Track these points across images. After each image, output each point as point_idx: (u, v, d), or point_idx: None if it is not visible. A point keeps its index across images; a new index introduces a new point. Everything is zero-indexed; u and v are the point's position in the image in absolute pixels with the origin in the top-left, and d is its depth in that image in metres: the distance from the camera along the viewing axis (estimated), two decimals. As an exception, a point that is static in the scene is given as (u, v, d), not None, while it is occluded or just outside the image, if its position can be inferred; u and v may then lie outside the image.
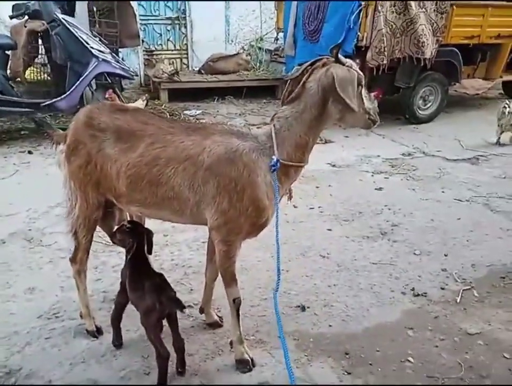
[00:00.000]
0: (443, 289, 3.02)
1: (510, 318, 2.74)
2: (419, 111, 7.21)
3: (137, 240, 2.32)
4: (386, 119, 7.31)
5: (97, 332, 2.50)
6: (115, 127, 2.21)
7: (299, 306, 2.79)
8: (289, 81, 2.27)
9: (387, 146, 6.22)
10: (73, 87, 5.73)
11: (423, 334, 2.59)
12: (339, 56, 2.07)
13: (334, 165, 5.30)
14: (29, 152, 5.50)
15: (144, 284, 2.15)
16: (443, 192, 4.64)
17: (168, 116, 7.22)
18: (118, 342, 2.41)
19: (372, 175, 5.06)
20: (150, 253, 2.44)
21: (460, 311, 2.81)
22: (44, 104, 5.59)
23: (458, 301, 2.89)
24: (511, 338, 2.57)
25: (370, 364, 2.36)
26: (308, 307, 2.79)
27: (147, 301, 2.11)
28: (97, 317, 2.60)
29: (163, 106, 7.70)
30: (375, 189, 4.66)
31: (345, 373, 2.30)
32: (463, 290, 3.00)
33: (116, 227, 2.48)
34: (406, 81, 6.83)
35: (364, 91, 2.17)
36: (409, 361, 2.39)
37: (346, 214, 4.10)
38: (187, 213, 2.20)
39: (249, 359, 2.31)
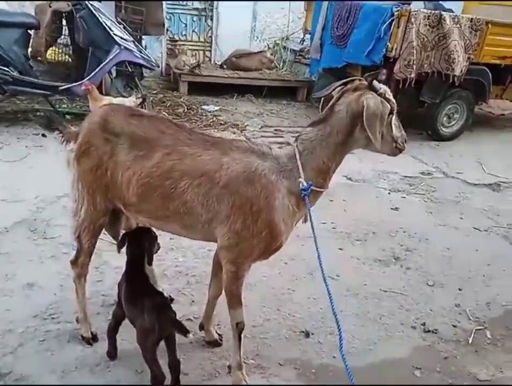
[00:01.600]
0: (454, 326, 2.89)
1: (524, 367, 2.60)
2: (443, 128, 7.01)
3: (135, 251, 2.23)
4: (407, 133, 6.88)
5: (92, 339, 2.42)
6: (130, 133, 2.11)
7: (303, 331, 2.69)
8: (322, 101, 2.16)
9: (407, 162, 6.04)
10: (93, 73, 5.64)
11: (430, 376, 2.47)
12: (375, 82, 1.94)
13: (350, 179, 5.15)
14: (43, 135, 5.42)
15: (143, 302, 2.05)
16: (461, 218, 4.48)
17: (186, 109, 7.16)
18: (112, 354, 2.32)
19: (389, 193, 4.91)
20: (150, 264, 2.35)
21: (472, 353, 2.68)
22: (62, 87, 5.51)
23: (470, 341, 2.76)
24: (523, 389, 2.44)
25: (374, 403, 2.25)
26: (312, 333, 2.68)
27: (145, 322, 2.01)
28: (94, 322, 2.51)
29: (181, 99, 7.58)
30: (391, 209, 4.51)
31: (346, 411, 2.19)
32: (476, 329, 2.86)
33: (122, 233, 2.38)
34: (432, 96, 6.64)
35: (394, 119, 2.05)
36: (415, 405, 2.28)
37: (359, 233, 3.96)
38: (198, 229, 2.11)
39: None
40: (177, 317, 2.63)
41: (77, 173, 2.20)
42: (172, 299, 2.81)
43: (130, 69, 6.02)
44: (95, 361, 2.31)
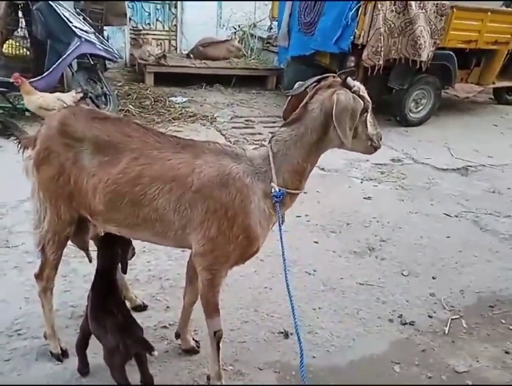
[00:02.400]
0: (430, 317, 2.91)
1: (498, 354, 2.64)
2: (411, 114, 7.07)
3: (106, 260, 2.12)
4: (376, 120, 7.16)
5: (62, 355, 2.31)
6: (93, 137, 1.98)
7: (282, 332, 2.64)
8: (290, 97, 2.06)
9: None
10: (53, 67, 5.40)
11: (410, 370, 2.47)
12: (349, 79, 1.87)
13: (322, 169, 5.12)
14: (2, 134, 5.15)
15: (106, 319, 1.94)
16: (431, 204, 4.53)
17: (153, 101, 6.95)
18: (84, 370, 2.21)
19: (361, 182, 4.91)
20: (125, 273, 2.25)
21: (448, 343, 2.70)
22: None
23: (446, 332, 2.78)
24: (498, 377, 2.48)
25: (355, 404, 2.24)
26: (291, 333, 2.64)
27: (110, 341, 1.92)
28: (63, 336, 2.39)
29: (148, 91, 7.36)
30: (364, 198, 4.52)
31: (328, 414, 2.17)
32: (451, 319, 2.89)
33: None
34: (399, 82, 6.67)
35: (369, 117, 2.00)
36: (395, 401, 2.27)
37: (334, 225, 3.94)
38: (170, 236, 2.01)
39: None
40: (153, 325, 2.60)
41: (37, 182, 2.06)
42: (145, 307, 2.72)
43: (92, 62, 5.76)
44: (65, 378, 2.20)
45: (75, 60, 5.67)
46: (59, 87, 6.09)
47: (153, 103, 6.92)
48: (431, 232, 3.95)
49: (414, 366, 2.51)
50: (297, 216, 4.02)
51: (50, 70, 5.35)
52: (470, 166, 5.66)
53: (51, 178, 2.01)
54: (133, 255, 2.29)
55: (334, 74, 1.98)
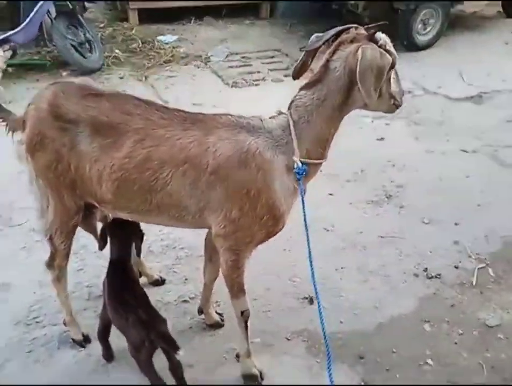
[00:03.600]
0: (456, 267, 2.83)
1: (529, 303, 2.58)
2: (418, 37, 6.59)
3: (119, 250, 1.98)
4: None
5: (84, 341, 2.24)
6: (89, 118, 1.76)
7: (306, 298, 2.57)
8: (304, 52, 1.81)
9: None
10: (30, 16, 4.92)
11: (440, 328, 2.42)
12: (377, 33, 1.63)
13: (330, 109, 4.84)
14: (-11, 97, 4.82)
15: (130, 314, 1.83)
16: (447, 140, 4.32)
17: (140, 43, 6.45)
18: (108, 356, 2.15)
19: (372, 121, 4.63)
20: (139, 256, 2.12)
21: (477, 295, 2.63)
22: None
23: (474, 283, 2.71)
24: (530, 328, 2.43)
25: (387, 369, 2.19)
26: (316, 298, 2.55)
27: (134, 337, 1.83)
28: (82, 320, 2.32)
29: (133, 31, 6.79)
30: (377, 139, 4.29)
31: (363, 383, 2.13)
32: (478, 269, 2.81)
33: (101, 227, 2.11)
34: (406, 2, 6.16)
35: (393, 73, 1.78)
36: (428, 363, 2.24)
37: (348, 173, 3.76)
38: (188, 220, 1.86)
39: (258, 374, 2.10)
40: (173, 299, 2.52)
41: (35, 170, 1.88)
42: (163, 281, 2.62)
43: (71, 6, 5.25)
44: (90, 366, 2.15)
45: (53, 6, 5.16)
46: (40, 36, 5.64)
47: (140, 45, 6.43)
48: (449, 172, 3.78)
49: (444, 323, 2.45)
50: (309, 166, 3.82)
51: (27, 21, 4.88)
52: (484, 92, 5.34)
53: (49, 166, 1.83)
54: (142, 237, 2.14)
55: (357, 26, 1.73)
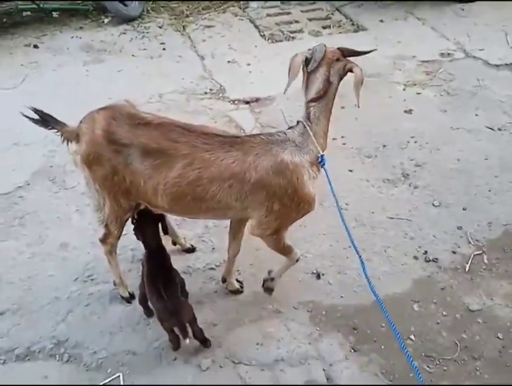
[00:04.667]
0: (454, 252, 3.13)
1: (512, 292, 2.90)
2: (469, -13, 6.25)
3: (151, 242, 2.42)
4: None
5: (130, 298, 2.76)
6: (140, 144, 2.13)
7: (314, 273, 2.97)
8: (308, 72, 2.22)
9: (426, 38, 5.60)
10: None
11: (427, 309, 2.80)
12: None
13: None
14: (35, 46, 5.14)
15: (157, 300, 2.27)
16: (476, 115, 4.37)
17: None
18: (148, 314, 2.67)
19: (404, 89, 4.71)
20: (166, 233, 2.55)
21: (467, 281, 2.96)
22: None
23: (467, 268, 3.02)
24: (508, 315, 2.77)
25: (375, 341, 2.64)
26: (323, 274, 2.97)
27: (159, 317, 2.31)
28: (128, 279, 2.82)
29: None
30: (405, 111, 4.40)
31: (352, 350, 2.59)
32: (474, 255, 3.10)
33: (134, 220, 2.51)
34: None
35: None
36: (410, 339, 2.65)
37: (370, 148, 3.98)
38: (231, 215, 2.40)
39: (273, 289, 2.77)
40: (202, 266, 2.98)
41: (91, 178, 2.25)
42: (194, 249, 3.07)
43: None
44: (135, 319, 2.68)
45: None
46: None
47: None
48: (469, 153, 3.92)
49: (432, 304, 2.83)
50: (333, 138, 4.04)
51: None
52: (526, 59, 5.19)
53: (105, 177, 2.20)
54: (164, 218, 2.56)
55: (325, 45, 2.22)
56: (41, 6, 5.57)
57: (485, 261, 3.08)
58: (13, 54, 5.00)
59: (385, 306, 2.73)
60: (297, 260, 2.62)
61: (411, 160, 3.86)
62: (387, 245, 3.17)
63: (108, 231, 2.49)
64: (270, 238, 2.42)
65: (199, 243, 3.14)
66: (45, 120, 2.30)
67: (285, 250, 2.52)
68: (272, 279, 2.73)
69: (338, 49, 2.23)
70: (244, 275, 2.95)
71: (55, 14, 5.71)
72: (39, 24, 5.52)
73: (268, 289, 2.76)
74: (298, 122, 2.26)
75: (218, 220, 2.53)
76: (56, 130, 2.29)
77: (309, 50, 2.22)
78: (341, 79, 2.22)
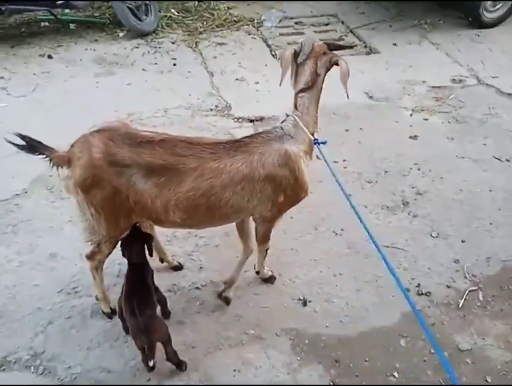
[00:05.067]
0: (449, 287, 3.03)
1: (505, 332, 2.77)
2: (486, 14, 6.16)
3: (134, 260, 2.40)
4: (447, 17, 6.41)
5: (112, 313, 2.73)
6: (146, 163, 2.12)
7: (301, 299, 2.90)
8: (297, 65, 2.37)
9: (438, 63, 5.54)
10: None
11: (415, 345, 2.70)
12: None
13: (371, 97, 4.85)
14: (49, 56, 5.26)
15: (131, 316, 2.24)
16: (484, 144, 4.27)
17: (196, 3, 6.52)
18: (126, 329, 2.62)
19: (411, 114, 4.64)
20: (151, 255, 2.52)
21: (459, 318, 2.85)
22: (59, 1, 5.13)
23: (460, 305, 2.91)
24: (499, 357, 2.65)
25: (357, 375, 2.55)
26: (309, 301, 2.89)
27: (132, 333, 2.28)
28: (111, 294, 2.79)
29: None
30: (410, 137, 4.32)
31: (332, 384, 2.50)
32: (469, 291, 2.99)
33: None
34: (477, -23, 5.73)
35: None
36: (394, 376, 2.55)
37: (371, 173, 3.91)
38: (241, 217, 2.50)
39: (272, 274, 2.97)
40: (187, 285, 2.95)
41: (87, 202, 2.21)
42: (181, 267, 3.04)
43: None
44: (114, 335, 2.65)
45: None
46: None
47: (196, 4, 6.52)
48: (473, 183, 3.82)
49: (420, 340, 2.72)
50: (334, 162, 3.99)
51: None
52: (541, 89, 5.08)
53: (105, 199, 2.17)
54: (151, 239, 2.53)
55: (313, 39, 2.41)
56: (59, 17, 5.72)
57: (481, 298, 2.97)
58: (27, 64, 5.12)
59: (371, 340, 2.70)
60: (267, 251, 2.78)
61: (413, 187, 3.78)
62: (379, 275, 3.08)
63: (98, 250, 2.47)
64: (266, 225, 2.56)
65: (188, 261, 3.11)
66: (32, 146, 2.24)
67: (266, 238, 2.67)
68: (258, 272, 2.93)
69: (324, 43, 2.41)
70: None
71: (72, 26, 5.85)
72: (55, 35, 5.66)
73: (266, 279, 2.95)
74: (287, 115, 2.40)
75: (228, 224, 2.59)
76: (45, 156, 2.25)
77: (298, 44, 2.37)
78: (327, 70, 2.36)
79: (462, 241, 3.34)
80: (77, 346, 2.60)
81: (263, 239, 2.67)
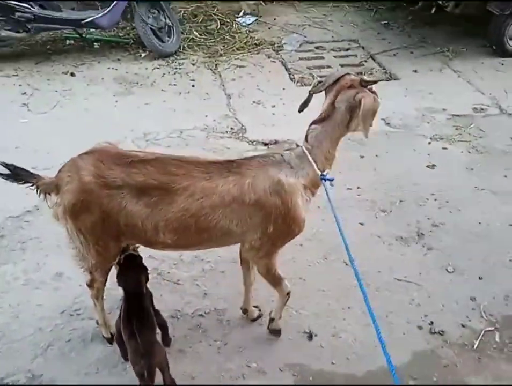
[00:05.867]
0: (463, 326, 2.88)
1: (524, 379, 2.61)
2: (510, 42, 6.07)
3: (132, 290, 2.36)
4: (470, 45, 6.32)
5: (112, 339, 2.67)
6: (137, 183, 2.07)
7: (307, 332, 2.80)
8: (310, 94, 2.32)
9: (460, 91, 5.44)
10: (114, 2, 5.29)
11: (425, 387, 2.56)
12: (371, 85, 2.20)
13: (388, 124, 4.77)
14: (72, 74, 5.37)
15: (130, 340, 2.19)
16: (505, 176, 4.13)
17: (219, 25, 6.63)
18: (124, 355, 2.56)
19: (429, 143, 4.53)
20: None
21: (474, 360, 2.70)
22: (84, 21, 5.25)
23: (476, 346, 2.76)
24: (515, 405, 2.49)
25: (361, 417, 2.42)
26: (316, 335, 2.79)
27: (131, 358, 2.21)
28: (113, 317, 2.72)
29: (215, 10, 6.94)
30: (427, 166, 4.21)
31: (335, 425, 2.38)
32: (485, 331, 2.84)
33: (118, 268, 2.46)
34: (501, 7, 5.64)
35: None
36: (401, 420, 2.41)
37: (385, 202, 3.81)
38: (229, 242, 2.39)
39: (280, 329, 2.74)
40: (191, 312, 2.88)
41: (75, 229, 2.18)
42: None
43: (154, -7, 5.54)
44: (113, 361, 2.59)
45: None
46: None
47: (219, 27, 6.61)
48: (493, 217, 3.68)
49: (431, 382, 2.58)
50: (348, 188, 3.92)
51: (111, 6, 5.26)
52: None
53: (95, 224, 2.13)
54: (146, 270, 2.50)
55: (349, 73, 2.25)
56: (84, 36, 5.86)
57: (497, 339, 2.81)
58: (50, 81, 5.24)
59: (378, 380, 2.57)
60: (288, 294, 2.56)
61: (429, 218, 3.66)
62: (390, 310, 2.96)
63: (93, 278, 2.44)
64: (262, 262, 2.41)
65: (193, 286, 3.05)
66: (17, 174, 2.18)
67: (275, 279, 2.49)
68: (272, 320, 2.71)
69: (361, 79, 2.21)
70: (233, 324, 2.82)
71: (96, 45, 5.98)
72: (79, 54, 5.79)
73: (274, 331, 2.74)
74: (297, 145, 2.34)
75: (216, 247, 2.54)
76: (31, 184, 2.19)
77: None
78: (351, 107, 2.14)
79: (480, 278, 3.19)
80: (75, 370, 2.54)
81: (272, 279, 2.49)
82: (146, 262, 3.09)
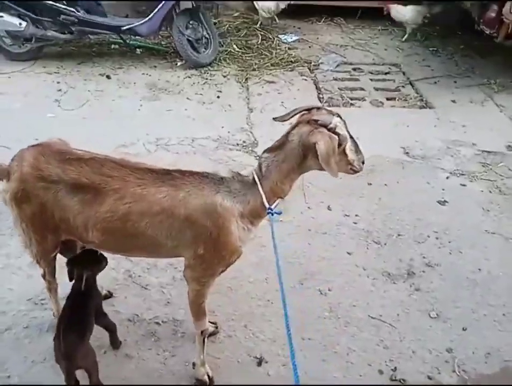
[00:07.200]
0: (430, 378, 2.63)
1: None
2: None
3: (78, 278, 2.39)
4: (508, 79, 5.89)
5: (65, 331, 2.75)
6: (71, 180, 2.13)
7: (257, 357, 2.69)
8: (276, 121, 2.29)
9: (497, 126, 5.06)
10: (154, 11, 5.52)
11: None
12: (324, 118, 2.04)
13: (407, 153, 4.54)
14: (108, 76, 5.64)
15: (58, 337, 2.20)
16: (524, 222, 3.76)
17: (260, 40, 6.69)
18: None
19: (447, 177, 4.25)
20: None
21: (432, 419, 2.46)
22: (124, 28, 5.53)
23: (438, 403, 2.52)
24: None
25: None
26: (266, 362, 2.67)
27: (55, 357, 2.22)
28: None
29: (258, 25, 7.03)
30: (438, 202, 3.94)
31: None
32: (454, 388, 2.58)
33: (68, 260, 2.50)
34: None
35: (349, 146, 2.12)
36: None
37: (382, 234, 3.60)
38: (164, 254, 2.37)
39: (208, 381, 2.52)
40: (148, 318, 2.88)
41: (19, 216, 2.26)
42: (110, 295, 2.96)
43: (193, 4, 5.71)
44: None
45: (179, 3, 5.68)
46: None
47: (259, 42, 6.67)
48: (496, 264, 3.36)
49: (378, 434, 2.38)
50: (345, 215, 3.77)
51: (151, 15, 5.49)
52: None
53: (33, 215, 2.21)
54: (102, 265, 2.52)
55: (319, 107, 2.13)
56: (128, 42, 6.16)
57: (465, 400, 2.55)
58: (86, 81, 5.53)
59: None
60: (202, 333, 2.42)
61: (424, 257, 3.41)
62: (353, 349, 2.77)
63: (44, 270, 2.53)
64: (193, 286, 2.31)
65: (158, 293, 3.05)
66: None
67: (199, 311, 2.38)
68: (194, 364, 2.57)
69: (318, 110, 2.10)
70: (187, 338, 2.78)
71: (138, 51, 6.26)
72: (120, 58, 6.08)
73: (198, 381, 2.54)
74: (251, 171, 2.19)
75: (152, 258, 2.55)
76: None
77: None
78: (303, 145, 2.01)
79: (463, 329, 2.91)
80: (24, 356, 2.62)
81: (196, 309, 2.38)
82: (121, 263, 3.22)
